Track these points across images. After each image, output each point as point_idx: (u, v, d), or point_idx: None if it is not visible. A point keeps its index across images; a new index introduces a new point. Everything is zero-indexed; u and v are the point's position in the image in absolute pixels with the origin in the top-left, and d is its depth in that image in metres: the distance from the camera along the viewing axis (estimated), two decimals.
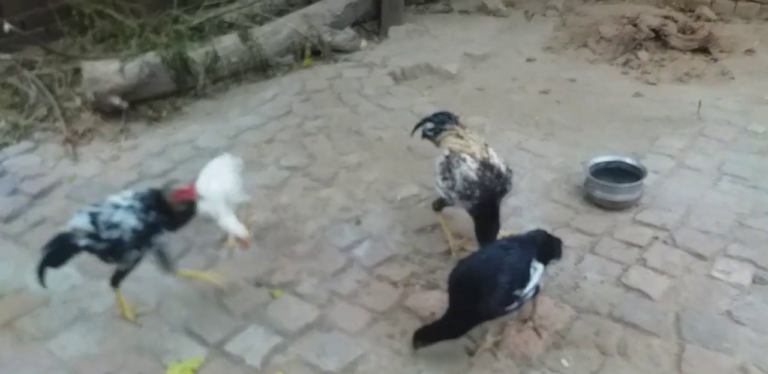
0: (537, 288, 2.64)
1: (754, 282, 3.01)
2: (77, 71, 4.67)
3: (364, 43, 5.79)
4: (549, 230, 3.35)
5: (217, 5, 5.72)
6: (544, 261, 2.67)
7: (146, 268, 3.19)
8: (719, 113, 4.47)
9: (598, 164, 3.70)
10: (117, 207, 2.64)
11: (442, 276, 3.10)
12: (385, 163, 4.07)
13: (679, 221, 3.43)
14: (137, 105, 4.64)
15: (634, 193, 3.53)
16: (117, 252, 2.65)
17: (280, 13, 5.71)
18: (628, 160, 3.72)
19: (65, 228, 2.66)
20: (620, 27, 5.52)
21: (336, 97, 4.90)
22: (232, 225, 3.01)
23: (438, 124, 3.34)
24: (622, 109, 4.63)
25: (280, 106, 4.77)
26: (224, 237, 3.34)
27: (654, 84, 5.00)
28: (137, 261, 2.75)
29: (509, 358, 2.67)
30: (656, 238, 3.32)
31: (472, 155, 3.03)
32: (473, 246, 3.27)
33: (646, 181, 3.59)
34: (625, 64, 5.32)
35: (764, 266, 3.09)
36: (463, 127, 3.28)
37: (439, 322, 2.58)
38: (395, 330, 2.82)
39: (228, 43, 5.06)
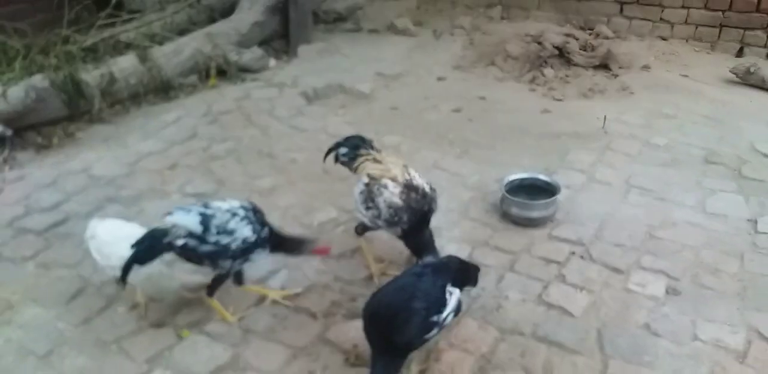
0: (457, 312, 2.57)
1: (667, 292, 3.06)
2: None
3: (272, 62, 5.65)
4: (469, 250, 3.36)
5: (112, 25, 5.44)
6: (460, 286, 2.61)
7: (36, 314, 2.91)
8: (623, 127, 4.62)
9: (512, 181, 3.71)
10: (234, 214, 2.60)
11: (364, 304, 2.98)
12: (300, 186, 3.92)
13: (594, 235, 3.47)
14: (24, 132, 4.28)
15: (549, 209, 3.55)
16: (218, 258, 2.61)
17: (182, 32, 5.50)
18: (542, 177, 3.74)
19: (161, 224, 2.57)
20: (525, 45, 5.66)
21: (245, 119, 4.71)
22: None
23: (352, 149, 3.19)
24: (532, 125, 4.70)
25: (184, 129, 4.52)
26: None
27: (560, 100, 5.12)
28: (231, 270, 2.71)
29: None
30: (573, 253, 3.33)
31: (394, 179, 2.92)
32: (395, 271, 3.18)
33: (560, 196, 3.61)
34: (531, 81, 5.44)
35: (675, 276, 3.15)
36: (378, 150, 3.17)
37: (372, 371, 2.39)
38: (316, 366, 2.65)
39: (126, 64, 4.78)
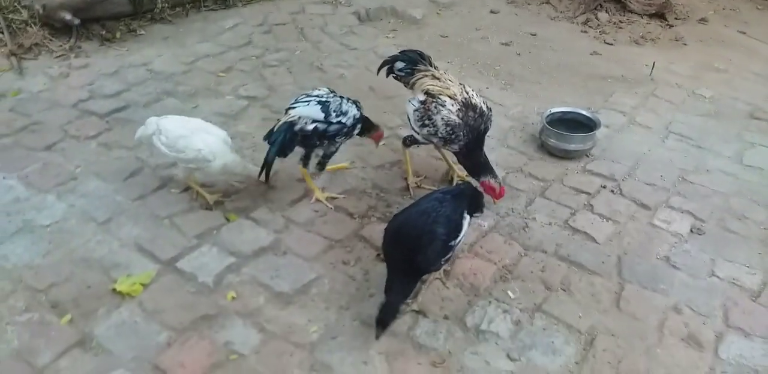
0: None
1: (691, 231, 3.17)
2: None
3: None
4: (502, 174, 3.46)
5: None
6: (471, 213, 2.70)
7: (97, 186, 3.13)
8: (671, 76, 4.61)
9: (554, 114, 3.78)
10: (341, 97, 3.00)
11: (399, 210, 3.14)
12: None
13: (627, 173, 3.56)
14: (89, 23, 4.41)
15: (587, 143, 3.63)
16: (338, 135, 2.98)
17: None
18: (583, 112, 3.81)
19: (286, 117, 2.90)
20: None
21: (298, 32, 4.79)
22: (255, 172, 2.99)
23: (409, 64, 3.19)
24: (579, 65, 4.71)
25: (240, 36, 4.63)
26: None
27: (611, 44, 5.10)
28: (337, 149, 3.09)
29: (458, 288, 2.75)
30: (604, 187, 3.44)
31: (453, 96, 2.97)
32: (430, 185, 3.33)
33: (599, 133, 3.69)
34: (585, 23, 5.39)
35: (702, 218, 3.26)
36: (436, 68, 3.19)
37: (390, 298, 2.43)
38: (350, 257, 2.86)
39: None
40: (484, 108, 3.02)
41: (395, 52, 4.30)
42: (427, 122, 2.99)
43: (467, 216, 2.63)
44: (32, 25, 4.20)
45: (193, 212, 3.03)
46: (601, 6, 5.51)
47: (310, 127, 2.90)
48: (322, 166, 3.15)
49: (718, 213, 3.30)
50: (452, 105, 2.95)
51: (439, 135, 2.98)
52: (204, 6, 4.95)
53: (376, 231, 2.99)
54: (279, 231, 2.96)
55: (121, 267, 2.69)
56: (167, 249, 2.79)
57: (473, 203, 2.73)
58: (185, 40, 4.50)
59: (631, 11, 5.49)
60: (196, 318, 2.49)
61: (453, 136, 2.96)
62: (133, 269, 2.69)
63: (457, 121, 2.93)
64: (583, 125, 3.74)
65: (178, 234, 2.89)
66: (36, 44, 4.13)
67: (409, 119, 3.14)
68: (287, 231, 2.97)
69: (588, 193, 3.39)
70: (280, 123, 2.93)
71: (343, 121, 2.96)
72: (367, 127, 3.15)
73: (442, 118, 2.94)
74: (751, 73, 4.77)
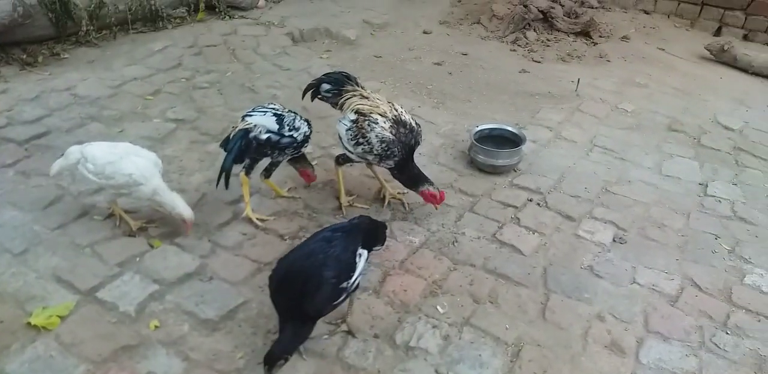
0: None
1: (614, 241, 3.28)
2: None
3: (262, 1, 5.68)
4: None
5: None
6: (369, 247, 2.56)
7: (13, 216, 3.03)
8: (595, 91, 4.79)
9: (482, 131, 3.87)
10: (295, 113, 3.13)
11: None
12: None
13: (553, 186, 3.66)
14: (9, 47, 4.30)
15: (513, 158, 3.72)
16: (287, 148, 3.07)
17: None
18: (509, 128, 3.90)
19: (242, 124, 3.00)
20: (512, 7, 5.75)
21: (230, 54, 4.79)
22: (181, 205, 2.88)
23: (336, 85, 3.23)
24: (508, 83, 4.84)
25: (170, 59, 4.59)
26: None
27: (539, 62, 5.26)
28: (284, 159, 3.18)
29: (389, 305, 2.75)
30: (530, 200, 3.52)
31: (383, 114, 3.04)
32: (363, 204, 3.35)
33: (525, 148, 3.79)
34: (514, 41, 5.55)
35: (624, 227, 3.37)
36: (363, 87, 3.25)
37: (279, 338, 2.30)
38: None
39: None
40: (413, 124, 3.11)
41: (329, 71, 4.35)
42: (361, 140, 3.04)
43: (363, 253, 2.47)
44: None
45: (116, 239, 2.95)
46: (529, 25, 5.69)
47: (264, 136, 3.00)
48: (268, 172, 3.23)
49: (639, 223, 3.42)
50: (384, 122, 3.02)
51: (374, 152, 3.03)
52: (132, 28, 4.89)
53: None
54: (205, 256, 2.91)
55: (37, 299, 2.59)
56: (87, 278, 2.71)
57: (371, 237, 2.58)
58: (112, 64, 4.43)
59: (558, 30, 5.69)
60: (117, 349, 2.42)
61: (388, 152, 3.02)
62: (50, 301, 2.59)
63: (391, 137, 2.99)
64: (510, 141, 3.84)
65: (100, 262, 2.81)
66: None
67: (341, 139, 3.17)
68: (214, 255, 2.92)
69: (515, 207, 3.46)
70: (236, 130, 3.02)
71: (295, 135, 3.07)
72: (301, 158, 3.24)
73: (377, 135, 2.99)
74: (669, 87, 4.99)
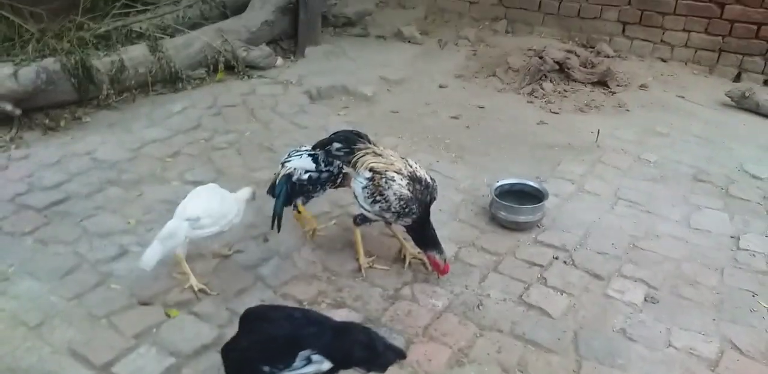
0: None
1: (645, 300, 3.14)
2: None
3: (279, 60, 5.76)
4: (455, 249, 3.43)
5: (126, 15, 5.55)
6: (340, 362, 2.23)
7: (30, 286, 2.99)
8: (616, 142, 4.72)
9: (503, 186, 3.81)
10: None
11: (350, 294, 3.08)
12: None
13: (578, 242, 3.56)
14: (32, 113, 4.38)
15: (536, 214, 3.64)
16: (327, 182, 3.35)
17: (194, 26, 5.61)
18: (531, 183, 3.84)
19: (284, 170, 3.27)
20: (527, 59, 5.78)
21: (249, 113, 4.82)
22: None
23: (346, 144, 3.17)
24: (527, 135, 4.80)
25: (189, 120, 4.64)
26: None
27: (557, 113, 5.23)
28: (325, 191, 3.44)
29: None
30: (556, 258, 3.42)
31: (399, 171, 3.02)
32: (382, 265, 3.28)
33: (548, 203, 3.71)
34: (530, 93, 5.54)
35: (655, 285, 3.24)
36: (375, 144, 3.22)
37: None
38: None
39: (136, 53, 4.89)
40: (429, 179, 3.08)
41: (347, 128, 4.35)
42: (378, 198, 3.00)
43: (320, 360, 2.18)
44: None
45: (133, 309, 2.89)
46: (545, 76, 5.70)
47: (305, 176, 3.26)
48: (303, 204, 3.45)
49: (670, 280, 3.28)
50: (401, 179, 2.99)
51: (392, 210, 2.99)
52: (152, 90, 4.97)
53: None
54: (223, 325, 2.83)
55: None
56: (103, 352, 2.64)
57: (353, 352, 2.23)
58: (131, 126, 4.48)
59: (574, 80, 5.68)
60: None
61: (406, 210, 2.98)
62: None
63: (409, 194, 2.96)
64: (532, 196, 3.76)
65: (116, 334, 2.75)
66: None
67: (357, 198, 3.13)
68: (231, 325, 2.82)
69: (541, 266, 3.36)
70: (279, 176, 3.29)
71: (331, 169, 3.32)
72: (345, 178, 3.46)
73: (395, 193, 2.96)
74: (691, 135, 4.91)
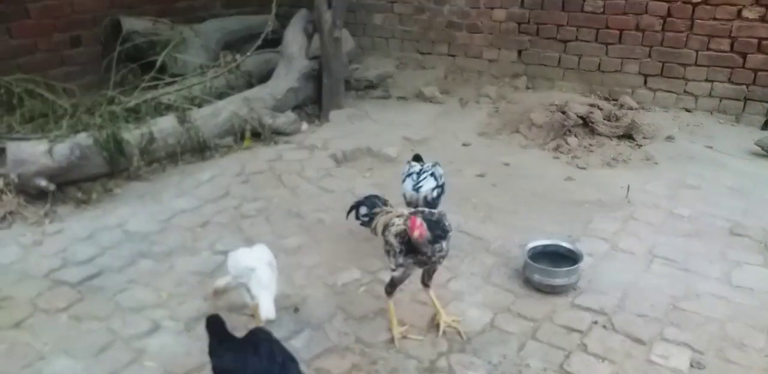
0: None
1: (691, 366, 3.01)
2: (1, 151, 4.48)
3: (305, 125, 5.87)
4: (491, 316, 3.36)
5: (155, 87, 5.74)
6: None
7: (65, 365, 2.97)
8: (647, 197, 4.65)
9: (535, 248, 3.75)
10: (432, 165, 4.02)
11: (385, 367, 3.01)
12: (325, 246, 4.01)
13: (617, 305, 3.45)
14: (65, 187, 4.48)
15: (572, 277, 3.56)
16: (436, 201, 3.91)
17: (221, 95, 5.77)
18: (564, 244, 3.78)
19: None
20: (550, 114, 5.81)
21: (276, 179, 4.88)
22: (267, 305, 2.96)
23: (371, 207, 3.40)
24: (555, 192, 4.76)
25: (218, 188, 4.70)
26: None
27: (584, 168, 5.20)
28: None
29: None
30: (595, 323, 3.31)
31: (400, 215, 3.17)
32: (416, 335, 3.21)
33: (583, 264, 3.63)
34: (555, 149, 5.54)
35: (699, 350, 3.11)
36: (392, 207, 3.38)
37: None
38: None
39: (165, 124, 5.03)
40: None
41: (372, 191, 4.39)
42: (387, 248, 3.11)
43: None
44: (7, 194, 4.24)
45: None
46: (570, 131, 5.70)
47: (435, 193, 3.85)
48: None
49: (715, 343, 3.15)
50: (399, 220, 3.11)
51: (396, 249, 3.03)
52: (181, 160, 5.07)
53: None
54: None
55: None
56: None
57: None
58: (161, 196, 4.56)
59: (599, 134, 5.67)
60: None
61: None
62: None
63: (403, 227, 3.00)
64: (566, 257, 3.70)
65: None
66: (10, 212, 4.15)
67: (396, 254, 3.10)
68: None
69: (580, 331, 3.25)
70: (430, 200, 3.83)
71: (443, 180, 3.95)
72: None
73: (394, 234, 3.05)
74: (724, 187, 4.83)
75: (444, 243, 3.02)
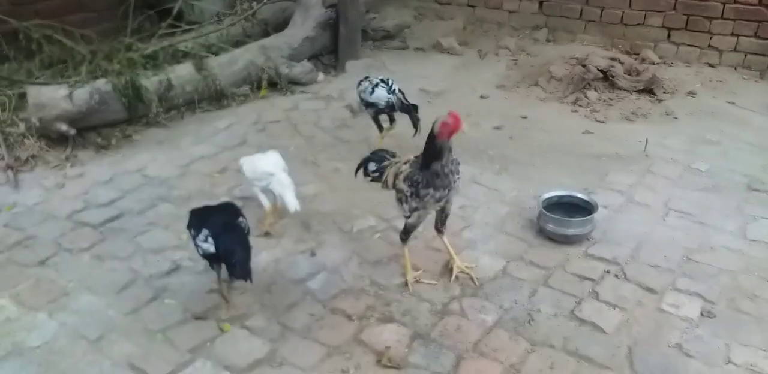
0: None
1: (702, 315, 3.06)
2: (22, 96, 4.52)
3: (321, 76, 5.83)
4: (503, 263, 3.42)
5: (172, 34, 5.70)
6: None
7: (89, 301, 3.08)
8: (665, 151, 4.62)
9: (550, 199, 3.76)
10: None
11: (398, 309, 3.08)
12: (341, 194, 4.04)
13: (630, 255, 3.48)
14: (85, 132, 4.52)
15: (586, 227, 3.58)
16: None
17: (237, 44, 5.73)
18: (580, 195, 3.79)
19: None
20: (570, 67, 5.72)
21: (292, 129, 4.89)
22: (292, 200, 3.37)
23: (379, 163, 3.36)
24: (572, 145, 4.74)
25: (235, 136, 4.72)
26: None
27: (603, 122, 5.16)
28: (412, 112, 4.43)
29: None
30: (608, 272, 3.35)
31: (406, 162, 3.14)
32: (429, 279, 3.27)
33: (597, 215, 3.65)
34: (574, 102, 5.48)
35: (711, 300, 3.15)
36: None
37: None
38: (349, 365, 2.74)
39: (183, 72, 5.02)
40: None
41: (389, 143, 4.39)
42: (399, 196, 3.11)
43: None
44: (29, 137, 4.30)
45: (187, 324, 2.95)
46: (589, 85, 5.61)
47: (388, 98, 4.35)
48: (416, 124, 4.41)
49: (727, 294, 3.19)
50: (406, 164, 3.11)
51: (408, 192, 3.01)
52: (199, 107, 5.09)
53: (375, 334, 2.92)
54: (275, 340, 2.86)
55: None
56: (160, 366, 2.70)
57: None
58: (180, 143, 4.59)
59: (619, 88, 5.58)
60: None
61: (416, 183, 2.97)
62: None
63: (409, 169, 3.03)
64: (581, 208, 3.71)
65: (171, 348, 2.80)
66: (33, 156, 4.22)
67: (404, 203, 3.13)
68: (283, 339, 2.87)
69: (592, 280, 3.30)
70: (402, 98, 4.37)
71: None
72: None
73: (403, 178, 3.04)
74: (744, 143, 4.78)
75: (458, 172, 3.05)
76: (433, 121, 2.97)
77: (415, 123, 4.40)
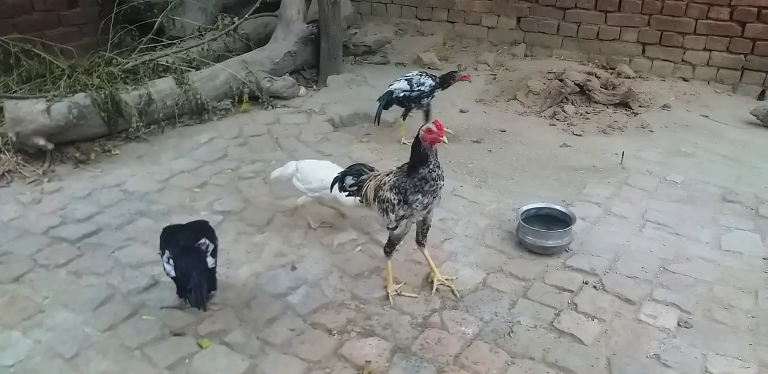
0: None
1: (679, 325, 3.09)
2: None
3: (302, 90, 5.86)
4: (483, 275, 3.43)
5: (153, 49, 5.70)
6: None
7: (65, 317, 3.04)
8: (641, 163, 4.70)
9: (529, 211, 3.80)
10: (421, 74, 4.99)
11: (379, 322, 3.07)
12: (322, 207, 4.04)
13: (608, 266, 3.52)
14: (64, 147, 4.49)
15: (564, 239, 3.62)
16: (420, 98, 4.90)
17: (219, 58, 5.75)
18: (558, 207, 3.83)
19: (387, 89, 4.93)
20: (547, 82, 5.81)
21: (274, 143, 4.90)
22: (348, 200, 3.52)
23: (357, 176, 3.35)
24: (550, 158, 4.80)
25: (216, 150, 4.72)
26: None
27: (580, 135, 5.23)
28: (428, 104, 5.00)
29: None
30: (586, 283, 3.38)
31: (389, 173, 3.14)
32: (410, 292, 3.27)
33: (575, 227, 3.69)
34: (552, 116, 5.56)
35: (688, 310, 3.18)
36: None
37: None
38: None
39: (163, 86, 5.01)
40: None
41: (369, 155, 4.41)
42: (383, 206, 3.06)
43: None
44: (5, 152, 4.26)
45: (165, 340, 2.91)
46: (566, 99, 5.71)
47: (401, 94, 4.86)
48: (427, 114, 5.00)
49: (703, 304, 3.23)
50: (388, 176, 3.10)
51: (393, 201, 2.99)
52: (179, 122, 5.08)
53: (356, 348, 2.90)
54: (254, 355, 2.84)
55: None
56: None
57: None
58: (160, 157, 4.58)
59: (596, 102, 5.69)
60: None
61: (402, 193, 2.96)
62: None
63: (395, 180, 3.01)
64: (559, 220, 3.75)
65: (149, 365, 2.77)
66: (9, 171, 4.18)
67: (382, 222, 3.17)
68: (263, 355, 2.85)
69: (571, 291, 3.32)
70: (384, 93, 4.91)
71: (423, 88, 4.85)
72: (447, 80, 4.97)
73: (389, 188, 3.02)
74: (718, 155, 4.87)
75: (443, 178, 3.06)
76: (419, 128, 2.99)
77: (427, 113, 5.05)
